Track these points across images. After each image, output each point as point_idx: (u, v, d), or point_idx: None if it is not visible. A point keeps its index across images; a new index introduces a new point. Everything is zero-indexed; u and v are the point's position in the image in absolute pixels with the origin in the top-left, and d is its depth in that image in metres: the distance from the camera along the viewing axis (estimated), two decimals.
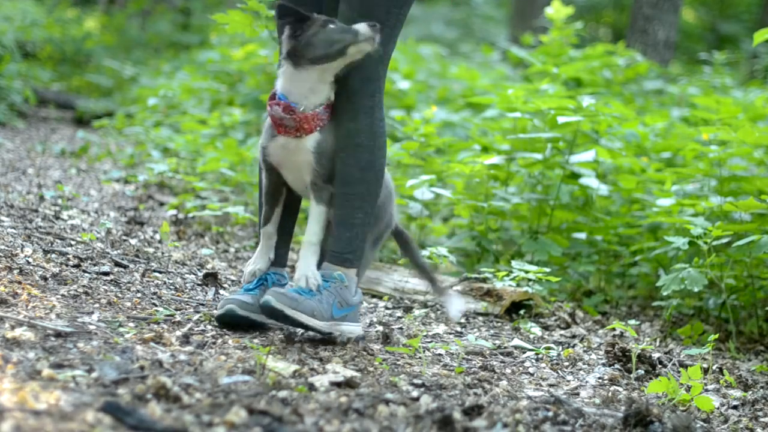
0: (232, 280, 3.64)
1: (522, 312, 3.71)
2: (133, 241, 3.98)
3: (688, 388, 2.77)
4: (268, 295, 2.83)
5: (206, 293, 3.40)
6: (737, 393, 2.99)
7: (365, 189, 2.92)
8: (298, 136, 2.89)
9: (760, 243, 3.58)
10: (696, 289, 3.56)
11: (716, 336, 3.27)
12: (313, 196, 2.94)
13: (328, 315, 2.87)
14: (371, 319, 3.43)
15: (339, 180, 2.91)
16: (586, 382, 2.95)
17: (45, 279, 3.12)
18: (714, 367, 3.21)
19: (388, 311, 3.58)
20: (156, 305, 3.10)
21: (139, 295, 3.18)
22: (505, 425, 2.32)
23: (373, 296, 3.78)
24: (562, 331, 3.61)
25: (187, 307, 3.16)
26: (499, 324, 3.58)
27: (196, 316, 3.03)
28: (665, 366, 3.16)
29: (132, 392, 2.17)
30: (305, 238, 2.93)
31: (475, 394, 2.61)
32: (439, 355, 2.99)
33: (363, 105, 2.91)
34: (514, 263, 3.78)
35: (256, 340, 2.86)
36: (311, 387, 2.45)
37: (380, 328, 3.28)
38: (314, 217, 2.93)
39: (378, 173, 2.94)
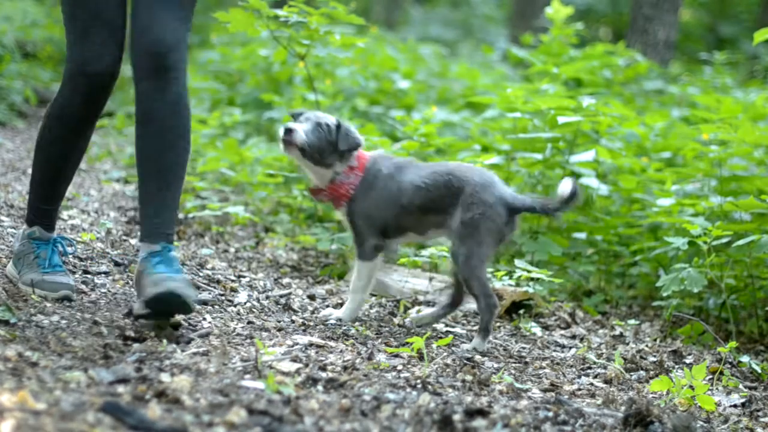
0: (232, 280, 3.63)
1: (522, 312, 3.71)
2: (133, 241, 3.98)
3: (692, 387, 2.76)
4: None
5: (209, 292, 3.39)
6: (737, 393, 3.00)
7: None
8: None
9: (760, 243, 3.58)
10: (696, 290, 3.55)
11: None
12: None
13: None
14: (371, 318, 3.43)
15: None
16: (587, 382, 2.95)
17: None
18: (709, 364, 3.21)
19: (387, 311, 3.58)
20: None
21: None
22: (506, 425, 2.31)
23: (372, 295, 3.77)
24: (562, 331, 3.61)
25: None
26: (500, 324, 3.57)
27: (197, 315, 3.03)
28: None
29: (132, 393, 2.17)
30: None
31: (476, 393, 2.61)
32: (440, 354, 2.99)
33: None
34: (517, 262, 3.77)
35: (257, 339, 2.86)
36: (312, 386, 2.45)
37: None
38: None
39: None
